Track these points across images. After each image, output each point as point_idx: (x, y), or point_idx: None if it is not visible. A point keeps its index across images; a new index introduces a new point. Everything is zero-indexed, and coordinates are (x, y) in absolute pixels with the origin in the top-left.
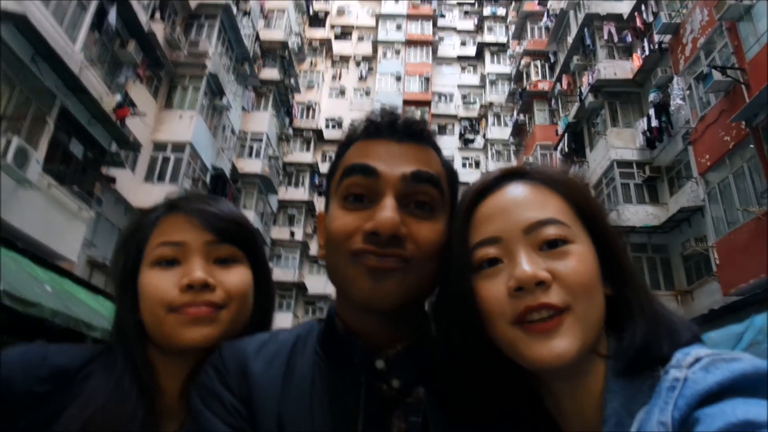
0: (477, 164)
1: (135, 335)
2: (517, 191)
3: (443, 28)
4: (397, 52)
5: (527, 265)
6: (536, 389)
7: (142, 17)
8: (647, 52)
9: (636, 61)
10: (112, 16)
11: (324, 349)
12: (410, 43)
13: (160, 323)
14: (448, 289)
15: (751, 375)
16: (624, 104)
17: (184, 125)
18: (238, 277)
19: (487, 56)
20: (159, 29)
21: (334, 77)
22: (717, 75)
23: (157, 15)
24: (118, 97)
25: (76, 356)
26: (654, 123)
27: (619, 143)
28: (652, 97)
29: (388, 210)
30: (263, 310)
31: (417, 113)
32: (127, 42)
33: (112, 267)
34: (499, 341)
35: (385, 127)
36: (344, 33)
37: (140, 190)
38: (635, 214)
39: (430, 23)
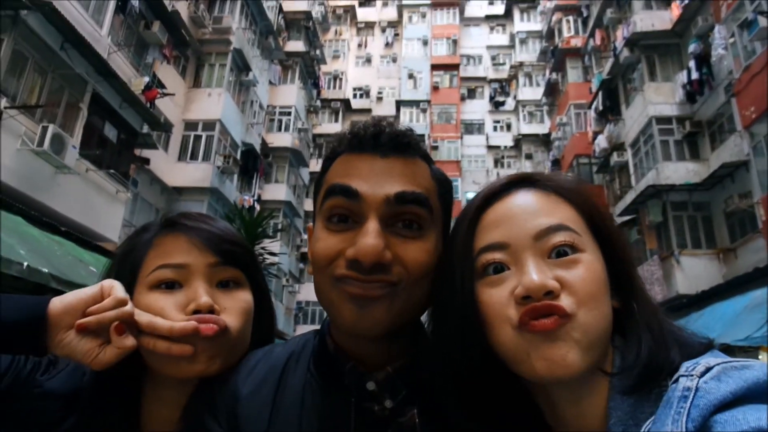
0: (509, 127)
1: (127, 365)
2: (525, 198)
3: None
4: (423, 16)
5: (536, 273)
6: (536, 403)
7: None
8: (687, 0)
9: (675, 11)
10: None
11: (316, 368)
12: (436, 5)
13: (159, 354)
14: (448, 298)
15: (764, 383)
16: (662, 57)
17: (213, 103)
18: (240, 302)
19: (516, 14)
20: (182, 7)
21: (359, 45)
22: (763, 21)
23: None
24: (146, 79)
25: (66, 383)
26: (694, 75)
27: (657, 98)
28: (692, 48)
29: (370, 237)
30: (263, 336)
31: (446, 78)
32: (151, 23)
33: None
34: (502, 349)
35: (369, 140)
36: None
37: (174, 169)
38: (675, 171)
39: None
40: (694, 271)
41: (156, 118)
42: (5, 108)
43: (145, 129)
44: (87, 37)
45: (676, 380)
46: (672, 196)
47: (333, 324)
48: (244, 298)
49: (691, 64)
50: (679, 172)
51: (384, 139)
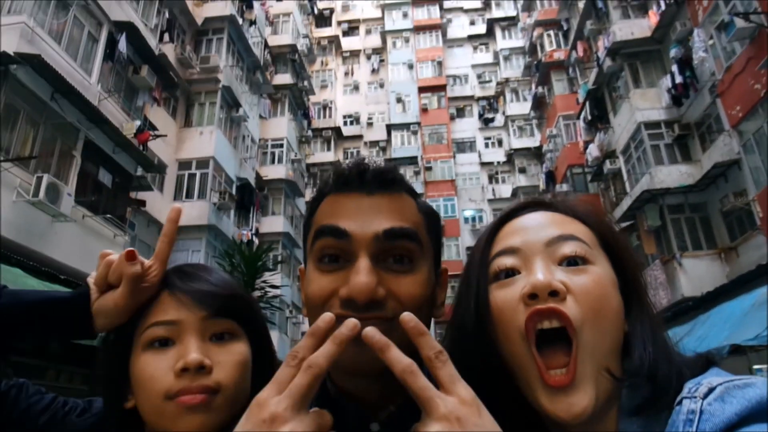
0: (500, 142)
1: (127, 424)
2: (540, 215)
3: (450, 10)
4: (407, 40)
5: (542, 273)
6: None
7: (152, 41)
8: (663, 7)
9: (653, 18)
10: (123, 44)
11: None
12: (418, 29)
13: (160, 414)
14: (465, 305)
15: (766, 401)
16: (645, 63)
17: (205, 141)
18: (235, 356)
19: (498, 32)
20: (169, 50)
21: (346, 73)
22: (740, 22)
23: (166, 37)
24: (138, 123)
25: (93, 425)
26: (678, 79)
27: (644, 104)
28: (673, 52)
29: (362, 275)
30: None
31: (434, 99)
32: (140, 67)
33: (100, 352)
34: (512, 365)
35: (355, 179)
36: (351, 28)
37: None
38: (668, 175)
39: (437, 6)
40: (697, 273)
41: (149, 160)
42: None
43: (140, 171)
44: (77, 86)
45: (680, 402)
46: (668, 200)
47: (332, 366)
48: (238, 350)
49: (674, 68)
50: (672, 175)
51: (369, 177)
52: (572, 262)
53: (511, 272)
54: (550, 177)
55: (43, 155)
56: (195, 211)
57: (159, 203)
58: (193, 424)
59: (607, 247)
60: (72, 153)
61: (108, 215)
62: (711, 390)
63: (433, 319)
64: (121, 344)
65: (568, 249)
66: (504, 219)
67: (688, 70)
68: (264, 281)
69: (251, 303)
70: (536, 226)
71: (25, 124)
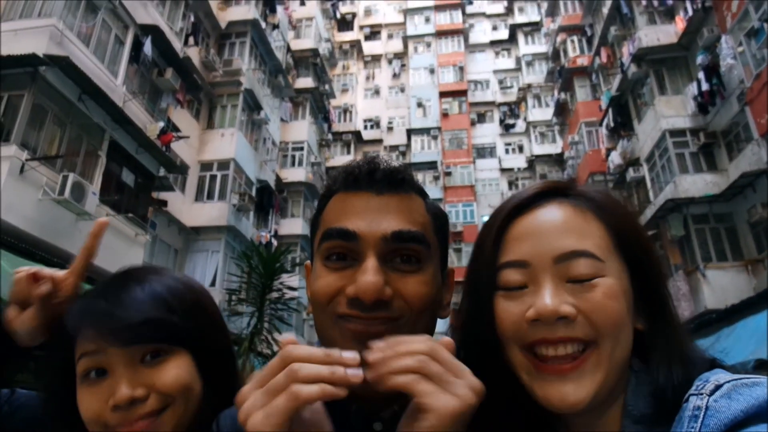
0: (521, 149)
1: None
2: (554, 213)
3: (472, 15)
4: (428, 45)
5: (550, 297)
6: (549, 418)
7: (177, 44)
8: (690, 13)
9: (679, 24)
10: (148, 47)
11: None
12: (440, 34)
13: None
14: (472, 306)
15: None
16: (671, 70)
17: (227, 143)
18: (172, 375)
19: (521, 38)
20: (194, 53)
21: (367, 78)
22: None
23: (191, 40)
24: (161, 124)
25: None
26: (705, 87)
27: (669, 112)
28: (700, 59)
29: (369, 274)
30: (225, 392)
31: (455, 104)
32: (164, 70)
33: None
34: (513, 367)
35: (364, 178)
36: (373, 33)
37: (191, 210)
38: (693, 184)
39: (459, 11)
40: (721, 285)
41: (172, 161)
42: (26, 160)
43: (162, 172)
44: (103, 88)
45: (687, 399)
46: (692, 209)
47: None
48: (175, 365)
49: (701, 75)
50: (697, 184)
51: (379, 177)
52: (582, 278)
53: (518, 286)
54: None
55: (69, 155)
56: (215, 212)
57: (180, 203)
58: None
59: (624, 245)
60: (97, 153)
61: (130, 214)
62: (718, 387)
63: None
64: (64, 375)
65: (579, 269)
66: (515, 211)
67: (715, 77)
68: (282, 283)
69: (182, 314)
70: (547, 232)
71: (52, 124)
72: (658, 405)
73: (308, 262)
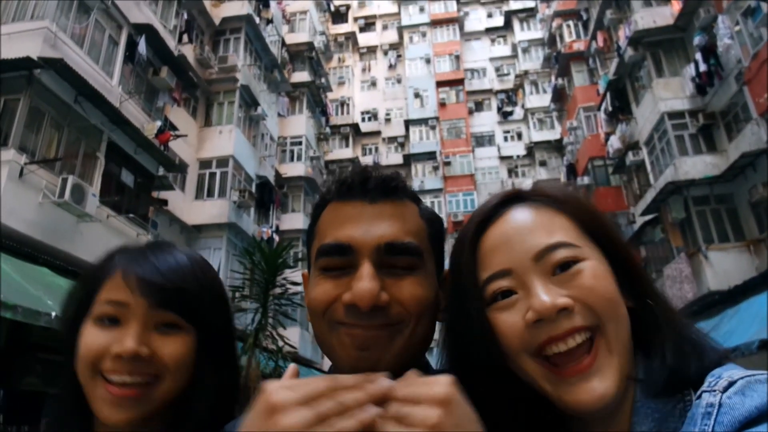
0: (519, 136)
1: (74, 399)
2: (520, 216)
3: (467, 3)
4: (424, 35)
5: (544, 294)
6: (561, 416)
7: (171, 42)
8: None
9: (675, 5)
10: (142, 46)
11: None
12: (435, 23)
13: (87, 387)
14: (465, 327)
15: None
16: (668, 52)
17: (225, 140)
18: (176, 349)
19: (516, 24)
20: (188, 51)
21: (363, 70)
22: (766, 7)
23: (185, 38)
24: (159, 123)
25: None
26: (702, 67)
27: (667, 94)
28: (697, 40)
29: (365, 280)
30: (217, 386)
31: (452, 93)
32: (159, 69)
33: (60, 319)
34: (523, 375)
35: (357, 187)
36: (368, 24)
37: (192, 208)
38: (693, 166)
39: (454, 0)
40: (723, 266)
41: (171, 160)
42: (25, 164)
43: (161, 171)
44: (99, 89)
45: (699, 396)
46: (693, 191)
47: (336, 370)
48: (181, 343)
49: (698, 56)
50: (697, 166)
51: (372, 185)
52: (565, 266)
53: (507, 292)
54: (571, 170)
55: (67, 157)
56: (216, 210)
57: (181, 202)
58: (122, 417)
59: (593, 233)
60: (96, 154)
61: (131, 215)
62: (731, 383)
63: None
64: (76, 310)
65: (558, 257)
66: (483, 223)
67: (713, 57)
68: (285, 278)
69: (202, 295)
70: (518, 235)
71: (50, 126)
72: (669, 381)
73: (305, 272)
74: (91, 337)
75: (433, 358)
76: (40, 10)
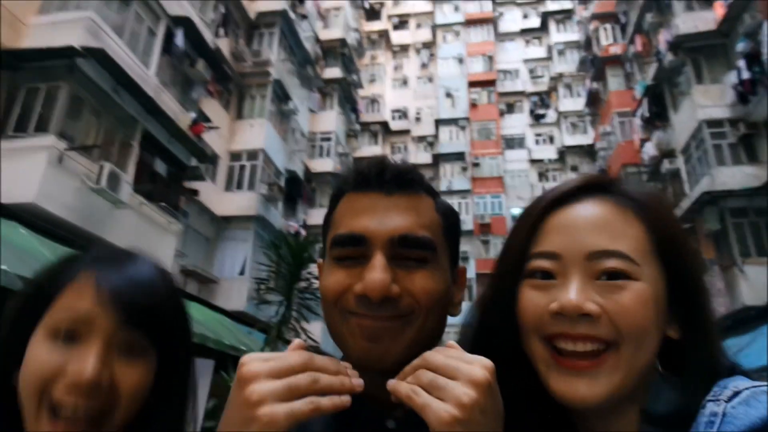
0: (551, 139)
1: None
2: (593, 210)
3: (502, 3)
4: (457, 34)
5: (576, 293)
6: (567, 414)
7: (207, 35)
8: None
9: (719, 10)
10: (180, 39)
11: None
12: (469, 22)
13: (29, 415)
14: (498, 293)
15: None
16: (709, 58)
17: (256, 133)
18: (136, 377)
19: (552, 26)
20: (224, 44)
21: (395, 68)
22: None
23: (221, 31)
24: (193, 115)
25: None
26: (745, 75)
27: (706, 101)
28: (740, 47)
29: (377, 271)
30: (167, 417)
31: (483, 94)
32: (195, 61)
33: (5, 315)
34: (529, 354)
35: (374, 178)
36: (401, 22)
37: (222, 199)
38: (732, 176)
39: (489, 0)
40: (760, 281)
41: (203, 151)
42: (64, 150)
43: (193, 162)
44: (136, 79)
45: (704, 405)
46: (730, 203)
47: (346, 358)
48: (143, 369)
49: (741, 63)
50: (736, 176)
51: (388, 177)
52: (613, 275)
53: (547, 274)
54: None
55: (104, 145)
56: (245, 202)
57: (211, 193)
58: None
59: (663, 249)
60: (131, 143)
61: (163, 203)
62: (736, 393)
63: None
64: (29, 312)
65: (610, 265)
66: (554, 204)
67: (757, 65)
68: (309, 272)
69: (174, 314)
70: (584, 227)
71: (88, 114)
72: (677, 410)
73: (320, 260)
74: (44, 355)
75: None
76: (83, 1)
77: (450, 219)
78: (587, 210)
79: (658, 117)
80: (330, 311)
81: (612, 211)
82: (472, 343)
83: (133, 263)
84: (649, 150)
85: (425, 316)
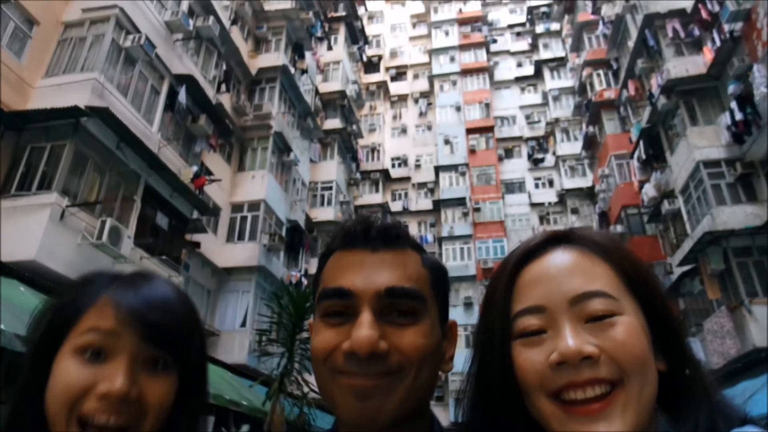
0: (551, 183)
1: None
2: (563, 257)
3: (497, 53)
4: (454, 83)
5: (572, 338)
6: None
7: (210, 92)
8: (718, 44)
9: (708, 55)
10: (182, 95)
11: None
12: (465, 72)
13: (59, 428)
14: (488, 358)
15: None
16: (701, 101)
17: (257, 184)
18: (163, 390)
19: (546, 73)
20: (226, 99)
21: (394, 117)
22: None
23: (223, 87)
24: (195, 168)
25: None
26: (738, 116)
27: (702, 142)
28: (731, 89)
29: (364, 328)
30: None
31: (482, 140)
32: (198, 117)
33: (28, 337)
34: (537, 415)
35: (360, 236)
36: (399, 73)
37: (223, 251)
38: (732, 215)
39: (483, 50)
40: None
41: (205, 204)
42: (66, 206)
43: (195, 214)
44: (139, 136)
45: None
46: (733, 242)
47: (338, 420)
48: (168, 384)
49: (733, 105)
50: (737, 216)
51: (373, 234)
52: (600, 316)
53: (537, 331)
54: (604, 218)
55: (106, 200)
56: (246, 253)
57: (213, 245)
58: None
59: (634, 286)
60: (133, 198)
61: (164, 257)
62: None
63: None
64: (54, 334)
65: (594, 307)
66: (524, 258)
67: (749, 106)
68: (311, 323)
69: (192, 333)
70: (559, 275)
71: (92, 171)
72: None
73: (311, 320)
74: (73, 373)
75: (450, 410)
76: (90, 63)
77: (437, 273)
78: (557, 259)
79: (655, 158)
80: (320, 371)
81: (580, 257)
82: (470, 415)
83: (149, 283)
84: (649, 191)
85: (416, 372)
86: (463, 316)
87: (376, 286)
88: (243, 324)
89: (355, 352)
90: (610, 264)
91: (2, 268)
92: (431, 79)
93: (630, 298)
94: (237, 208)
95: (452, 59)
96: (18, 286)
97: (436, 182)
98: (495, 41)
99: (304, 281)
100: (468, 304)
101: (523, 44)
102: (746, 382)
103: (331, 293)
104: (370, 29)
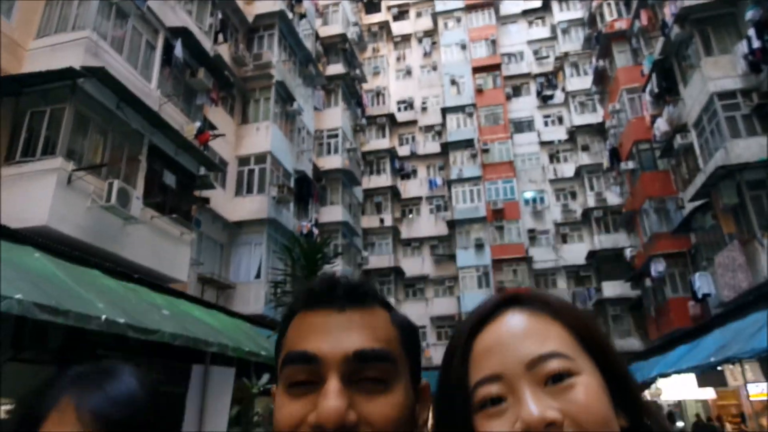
0: (560, 120)
1: None
2: (515, 321)
3: None
4: (458, 20)
5: (534, 405)
6: None
7: (206, 43)
8: None
9: None
10: (179, 49)
11: None
12: (470, 8)
13: None
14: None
15: None
16: (717, 29)
17: (262, 136)
18: None
19: (555, 4)
20: (224, 50)
21: (398, 59)
22: None
23: (220, 37)
24: (198, 124)
25: None
26: (756, 44)
27: (717, 73)
28: (750, 14)
29: (330, 398)
30: None
31: (489, 79)
32: (196, 70)
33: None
34: None
35: (324, 295)
36: (401, 12)
37: (233, 205)
38: (747, 148)
39: None
40: None
41: (210, 160)
42: (73, 171)
43: (202, 170)
44: (138, 94)
45: None
46: (747, 175)
47: None
48: None
49: (751, 32)
50: (751, 148)
51: (339, 292)
52: (557, 378)
53: (497, 399)
54: (615, 154)
55: (112, 162)
56: (255, 206)
57: (222, 199)
58: None
59: (588, 345)
60: (138, 158)
61: (174, 215)
62: None
63: None
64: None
65: (551, 367)
66: (478, 325)
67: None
68: (324, 273)
69: (156, 421)
70: (513, 340)
71: (94, 133)
72: None
73: (274, 387)
74: None
75: None
76: (80, 21)
77: (407, 331)
78: (508, 324)
79: (667, 92)
80: None
81: (531, 319)
82: None
83: (111, 379)
84: (661, 126)
85: None
86: (474, 257)
87: (343, 349)
88: (257, 276)
89: (321, 425)
90: (562, 324)
91: (15, 235)
92: (435, 16)
93: (585, 357)
94: (244, 161)
95: None
96: (33, 252)
97: (443, 124)
98: None
99: (315, 231)
100: (479, 246)
101: None
102: (757, 314)
103: (295, 358)
104: None
